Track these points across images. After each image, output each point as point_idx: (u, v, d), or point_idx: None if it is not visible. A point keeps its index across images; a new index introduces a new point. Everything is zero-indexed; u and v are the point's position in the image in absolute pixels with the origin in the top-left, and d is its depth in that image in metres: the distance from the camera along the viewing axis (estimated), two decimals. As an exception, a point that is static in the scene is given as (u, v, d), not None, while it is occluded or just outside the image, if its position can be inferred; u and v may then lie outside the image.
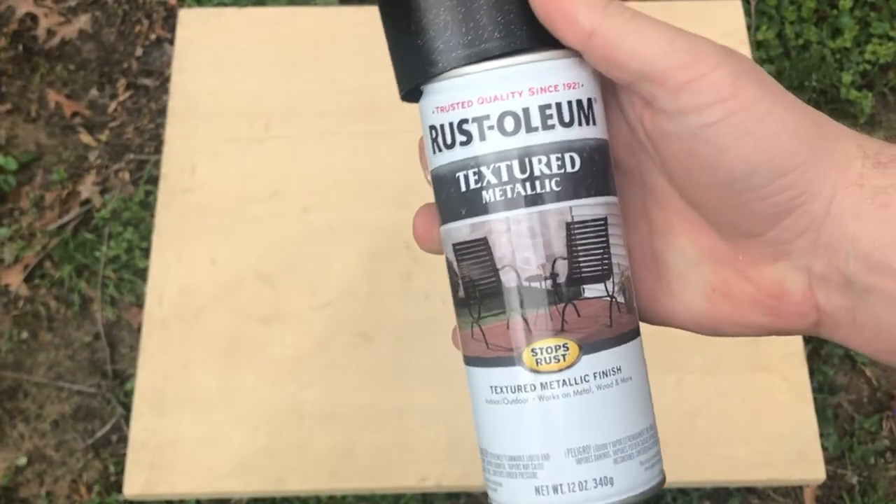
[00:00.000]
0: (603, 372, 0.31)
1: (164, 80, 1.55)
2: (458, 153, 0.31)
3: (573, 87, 0.31)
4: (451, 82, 0.31)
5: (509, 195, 0.31)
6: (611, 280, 0.31)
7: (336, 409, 0.80)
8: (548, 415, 0.31)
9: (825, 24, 1.55)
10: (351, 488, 0.78)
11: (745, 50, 0.94)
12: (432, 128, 0.32)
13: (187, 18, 0.96)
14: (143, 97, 1.55)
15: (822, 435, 1.30)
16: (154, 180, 1.45)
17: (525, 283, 0.31)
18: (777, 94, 0.30)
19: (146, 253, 1.40)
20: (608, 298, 0.31)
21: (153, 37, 1.59)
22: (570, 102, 0.31)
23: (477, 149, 0.31)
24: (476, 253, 0.31)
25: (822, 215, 0.30)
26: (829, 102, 1.50)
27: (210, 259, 0.85)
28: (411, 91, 0.33)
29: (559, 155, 0.31)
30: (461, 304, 0.33)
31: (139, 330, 0.83)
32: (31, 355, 1.38)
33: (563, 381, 0.31)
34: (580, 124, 0.31)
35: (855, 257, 0.30)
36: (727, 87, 0.29)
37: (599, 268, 0.31)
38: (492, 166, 0.31)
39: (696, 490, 1.28)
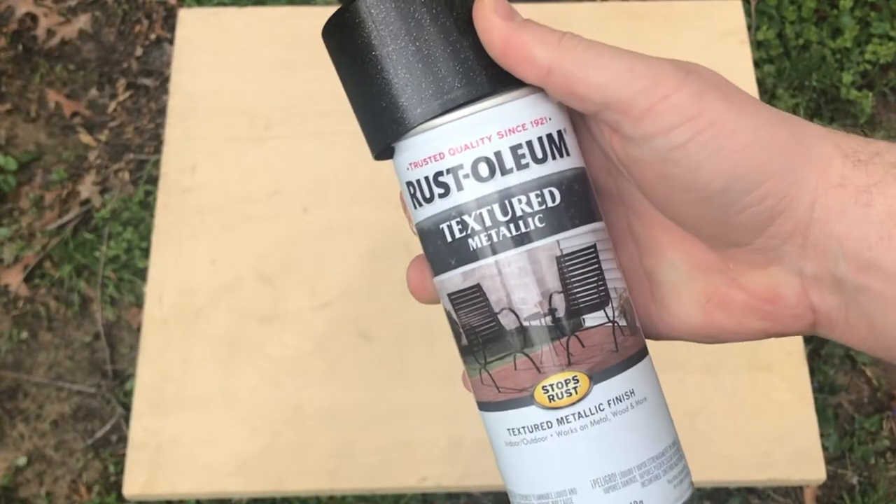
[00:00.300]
0: (616, 398, 0.31)
1: (164, 80, 1.55)
2: (439, 205, 0.31)
3: (541, 123, 0.31)
4: (420, 137, 0.31)
5: (495, 239, 0.31)
6: (610, 305, 0.31)
7: (336, 408, 0.80)
8: (569, 449, 0.31)
9: (825, 24, 1.55)
10: (351, 488, 0.78)
11: (745, 50, 0.93)
12: (409, 184, 0.32)
13: (187, 18, 0.96)
14: (143, 97, 1.55)
15: (822, 435, 1.30)
16: (154, 180, 1.45)
17: (525, 323, 0.31)
18: (745, 105, 0.30)
19: (146, 253, 1.40)
20: (610, 324, 0.31)
21: (153, 37, 1.59)
22: (540, 139, 0.31)
23: (456, 199, 0.31)
24: (472, 300, 0.31)
25: (807, 219, 0.30)
26: (830, 102, 1.50)
27: (210, 259, 0.85)
28: (383, 150, 0.33)
29: (538, 192, 0.31)
30: (466, 352, 0.33)
31: (139, 330, 0.83)
32: (31, 355, 1.38)
33: (579, 413, 0.31)
34: (554, 158, 0.31)
35: (844, 258, 0.29)
36: (691, 107, 0.29)
37: (596, 295, 0.31)
38: (473, 213, 0.31)
39: (696, 490, 1.28)
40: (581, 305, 0.31)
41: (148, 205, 1.44)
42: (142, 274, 1.39)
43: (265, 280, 0.84)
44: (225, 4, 1.53)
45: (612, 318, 0.31)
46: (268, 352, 0.82)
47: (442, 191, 0.31)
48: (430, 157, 0.31)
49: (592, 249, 0.31)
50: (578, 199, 0.31)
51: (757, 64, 1.51)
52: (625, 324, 0.32)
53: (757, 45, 1.53)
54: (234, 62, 0.94)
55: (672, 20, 0.95)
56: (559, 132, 0.31)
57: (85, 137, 1.52)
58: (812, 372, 1.34)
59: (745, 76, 0.92)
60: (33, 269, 1.42)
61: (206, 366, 0.81)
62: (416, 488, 0.78)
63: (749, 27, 1.53)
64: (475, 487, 0.79)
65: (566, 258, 0.31)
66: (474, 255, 0.31)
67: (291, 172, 0.89)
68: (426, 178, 0.31)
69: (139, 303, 1.38)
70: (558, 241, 0.31)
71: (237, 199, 0.87)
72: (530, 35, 0.30)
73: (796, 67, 1.51)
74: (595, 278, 0.31)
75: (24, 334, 1.39)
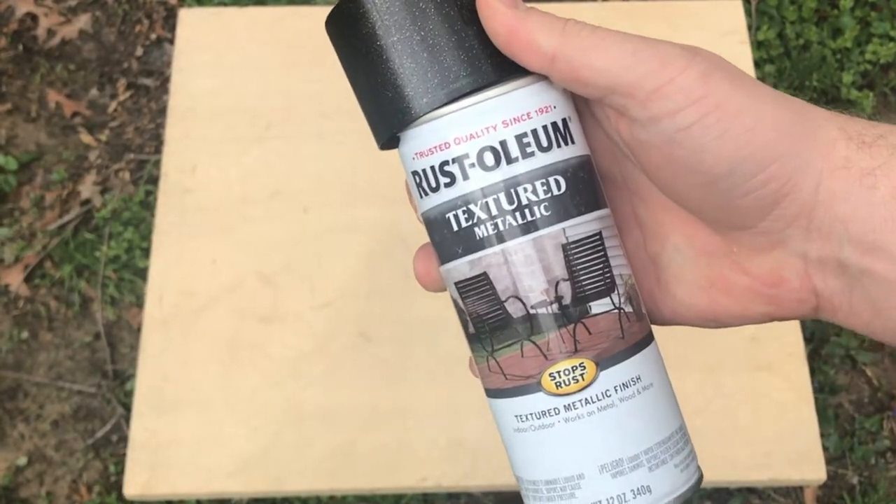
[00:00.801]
0: (623, 384, 0.31)
1: (165, 80, 1.55)
2: (445, 195, 0.31)
3: (546, 111, 0.31)
4: (425, 127, 0.31)
5: (501, 227, 0.31)
6: (616, 292, 0.32)
7: (336, 409, 0.80)
8: (576, 435, 0.31)
9: (826, 24, 1.55)
10: (351, 488, 0.78)
11: (746, 50, 0.93)
12: (415, 173, 0.32)
13: (187, 18, 0.96)
14: (144, 97, 1.55)
15: (822, 435, 1.30)
16: (154, 180, 1.45)
17: (532, 311, 0.31)
18: (751, 87, 0.30)
19: (146, 253, 1.40)
20: (616, 311, 0.31)
21: (153, 36, 1.59)
22: (545, 127, 0.31)
23: (462, 188, 0.31)
24: (479, 288, 0.32)
25: (811, 202, 0.30)
26: (830, 102, 1.50)
27: (210, 259, 0.85)
28: (388, 140, 0.33)
29: (544, 180, 0.31)
30: (473, 340, 0.33)
31: (139, 330, 0.83)
32: (32, 355, 1.38)
33: (586, 399, 0.31)
34: (559, 146, 0.31)
35: (848, 241, 0.29)
36: (697, 88, 0.29)
37: (602, 282, 0.31)
38: (479, 202, 0.31)
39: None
40: (587, 292, 0.31)
41: (148, 205, 1.44)
42: (142, 274, 1.39)
43: (265, 280, 0.84)
44: (225, 4, 1.53)
45: (618, 305, 0.32)
46: (268, 352, 0.82)
47: (448, 180, 0.31)
48: (435, 147, 0.31)
49: (598, 237, 0.32)
50: (584, 187, 0.32)
51: (757, 64, 1.51)
52: (630, 310, 0.32)
53: (757, 45, 1.53)
54: (235, 62, 0.94)
55: (672, 20, 0.95)
56: (564, 120, 0.32)
57: (85, 137, 1.52)
58: (812, 372, 1.34)
59: (745, 76, 0.93)
60: (34, 269, 1.42)
61: (207, 366, 0.81)
62: (416, 488, 0.78)
63: (749, 27, 1.53)
64: (475, 487, 0.79)
65: (572, 246, 0.31)
66: (480, 244, 0.31)
67: (292, 172, 0.89)
68: (432, 168, 0.31)
69: (139, 303, 1.38)
70: (564, 229, 0.31)
71: (238, 199, 0.87)
72: (534, 22, 0.30)
73: (797, 67, 1.51)
74: (601, 265, 0.31)
75: (25, 334, 1.39)
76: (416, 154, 0.32)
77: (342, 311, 0.83)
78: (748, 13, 1.55)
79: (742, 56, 0.93)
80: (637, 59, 0.29)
